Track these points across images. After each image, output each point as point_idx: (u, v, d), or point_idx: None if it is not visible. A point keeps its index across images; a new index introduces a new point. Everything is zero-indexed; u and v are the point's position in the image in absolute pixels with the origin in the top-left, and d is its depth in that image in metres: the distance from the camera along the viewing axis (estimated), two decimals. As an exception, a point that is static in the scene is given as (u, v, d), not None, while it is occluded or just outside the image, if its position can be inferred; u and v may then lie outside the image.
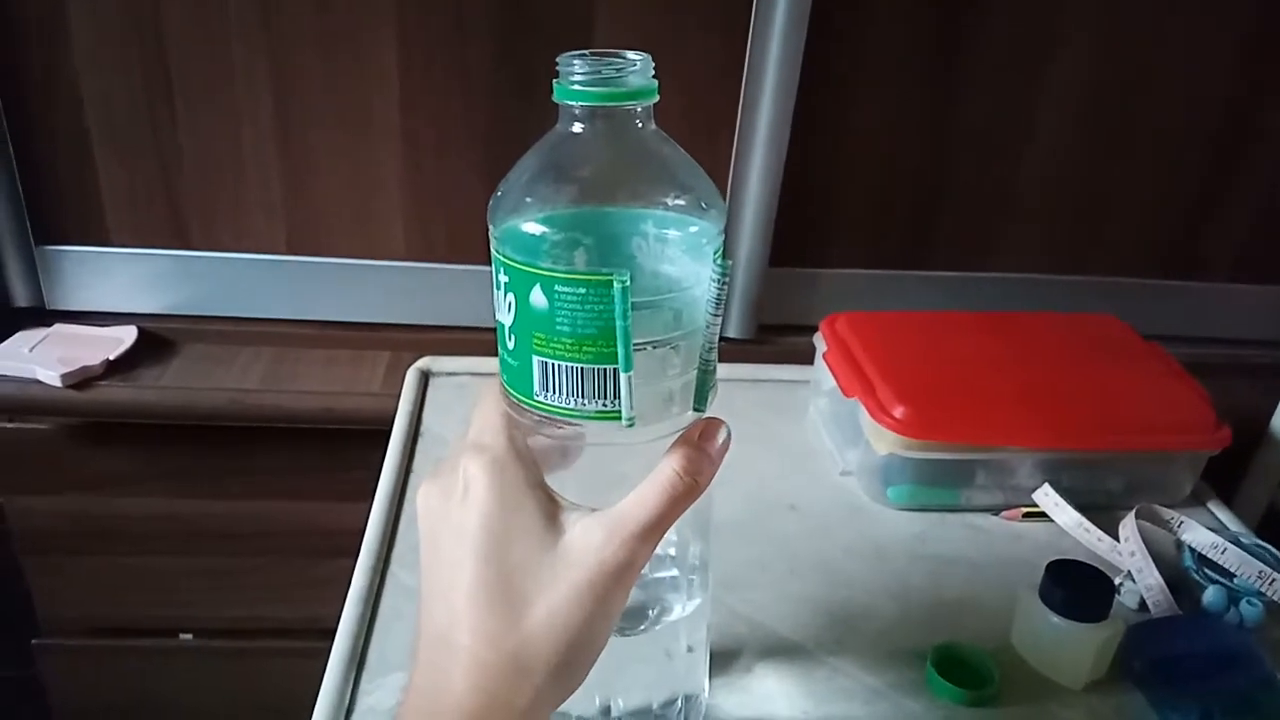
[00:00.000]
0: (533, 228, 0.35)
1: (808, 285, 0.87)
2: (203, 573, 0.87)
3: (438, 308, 0.84)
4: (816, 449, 0.70)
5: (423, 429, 0.69)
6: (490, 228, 0.36)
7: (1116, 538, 0.60)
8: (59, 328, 0.80)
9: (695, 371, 0.37)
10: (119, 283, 0.80)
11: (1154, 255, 0.89)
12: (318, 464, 0.82)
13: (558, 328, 0.34)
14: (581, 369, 0.35)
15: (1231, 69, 0.81)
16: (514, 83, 0.76)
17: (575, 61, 0.36)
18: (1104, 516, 0.62)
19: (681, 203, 0.36)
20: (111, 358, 0.76)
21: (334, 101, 0.75)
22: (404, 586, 0.56)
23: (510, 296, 0.35)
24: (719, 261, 0.35)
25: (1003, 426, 0.62)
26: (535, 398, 0.36)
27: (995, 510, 0.64)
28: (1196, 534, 0.60)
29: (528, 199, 0.36)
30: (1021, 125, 0.82)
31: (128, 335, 0.79)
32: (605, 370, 0.35)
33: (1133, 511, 0.61)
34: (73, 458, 0.82)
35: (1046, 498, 0.63)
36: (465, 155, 0.78)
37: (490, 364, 0.74)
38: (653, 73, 0.36)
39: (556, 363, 0.35)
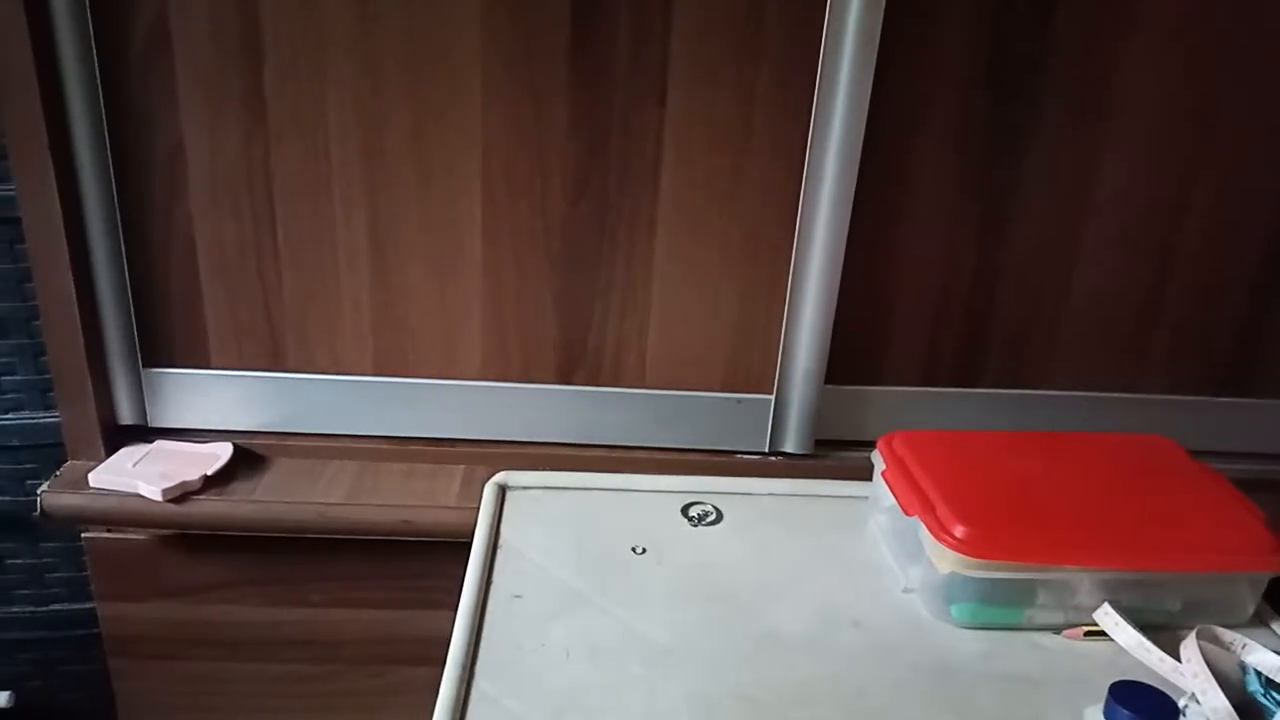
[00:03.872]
0: None
1: (863, 402, 0.90)
2: (283, 679, 0.90)
3: (509, 424, 0.89)
4: (878, 564, 0.72)
5: (501, 541, 0.73)
6: None
7: (1178, 658, 0.61)
8: (160, 444, 0.86)
9: None
10: (217, 402, 0.86)
11: (1206, 372, 0.92)
12: (396, 573, 0.86)
13: None
14: None
15: (1274, 182, 0.85)
16: (589, 215, 0.82)
17: None
18: (1164, 636, 0.63)
19: None
20: (209, 473, 0.82)
21: (423, 236, 0.82)
22: (488, 697, 0.58)
23: None
24: None
25: (1062, 546, 0.64)
26: None
27: (1058, 629, 0.66)
28: (1261, 656, 0.61)
29: None
30: (1069, 244, 0.86)
31: (224, 451, 0.85)
32: None
33: (1194, 632, 0.62)
34: (164, 566, 0.86)
35: (1107, 617, 0.64)
36: (541, 283, 0.84)
37: (561, 478, 0.79)
38: None
39: None
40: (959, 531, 0.63)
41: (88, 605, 0.90)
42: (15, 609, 0.93)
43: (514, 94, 0.78)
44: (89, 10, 0.74)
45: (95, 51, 0.75)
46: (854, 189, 0.81)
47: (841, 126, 0.79)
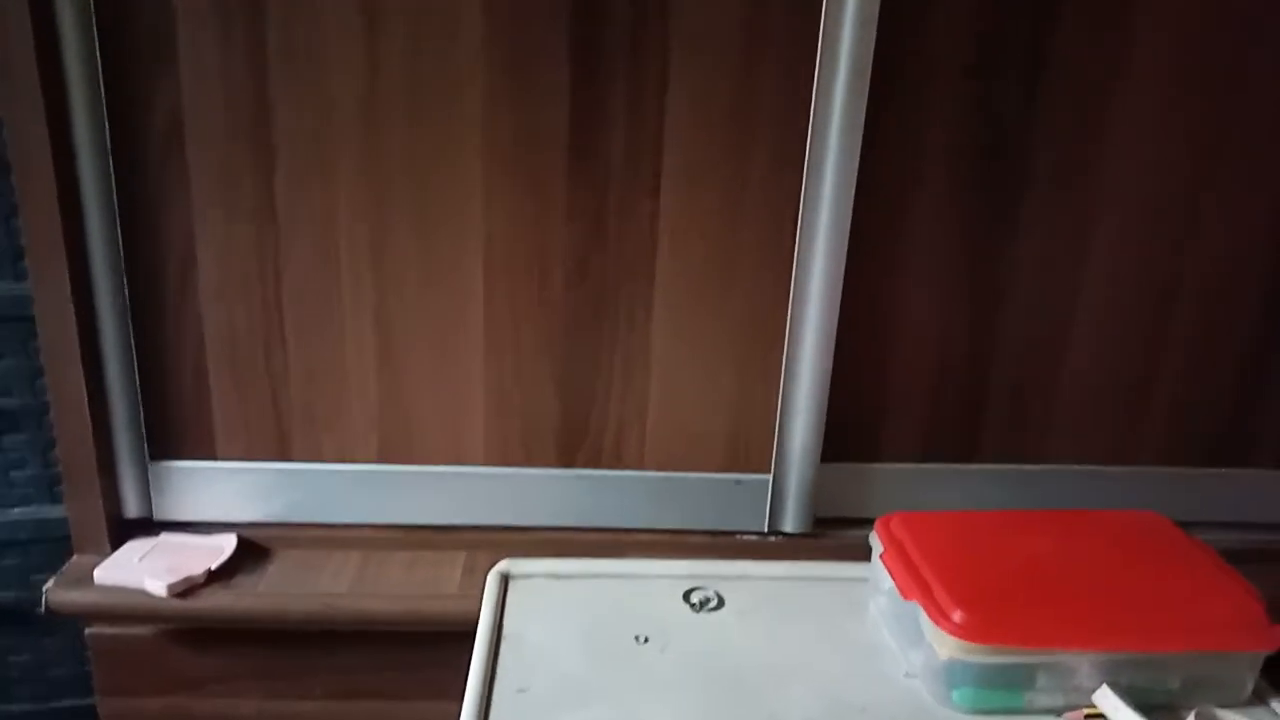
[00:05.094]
0: None
1: (860, 480, 0.92)
2: (286, 774, 0.89)
3: (511, 508, 0.90)
4: (880, 648, 0.73)
5: (505, 633, 0.73)
6: None
7: (1181, 740, 0.62)
8: (165, 537, 0.86)
9: None
10: (222, 494, 0.87)
11: (1200, 443, 0.93)
12: (399, 664, 0.85)
13: None
14: None
15: (1266, 253, 0.87)
16: (588, 301, 0.84)
17: None
18: (1164, 716, 0.64)
19: None
20: (213, 567, 0.82)
21: (428, 325, 0.84)
22: (495, 796, 0.58)
23: None
24: None
25: (1061, 629, 0.65)
26: None
27: (1059, 712, 0.66)
28: (1260, 736, 0.61)
29: None
30: (1063, 318, 0.88)
31: (228, 544, 0.85)
32: None
33: (1193, 713, 0.63)
34: (167, 661, 0.86)
35: (1106, 700, 0.65)
36: (542, 368, 0.86)
37: (565, 565, 0.79)
38: None
39: None
40: (957, 617, 0.64)
41: (89, 700, 0.90)
42: (14, 706, 0.92)
43: (515, 187, 0.81)
44: (105, 113, 0.77)
45: (111, 153, 0.78)
46: (844, 271, 0.83)
47: (829, 211, 0.82)
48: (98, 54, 0.76)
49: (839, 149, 0.80)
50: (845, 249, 0.83)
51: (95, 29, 0.75)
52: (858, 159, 0.80)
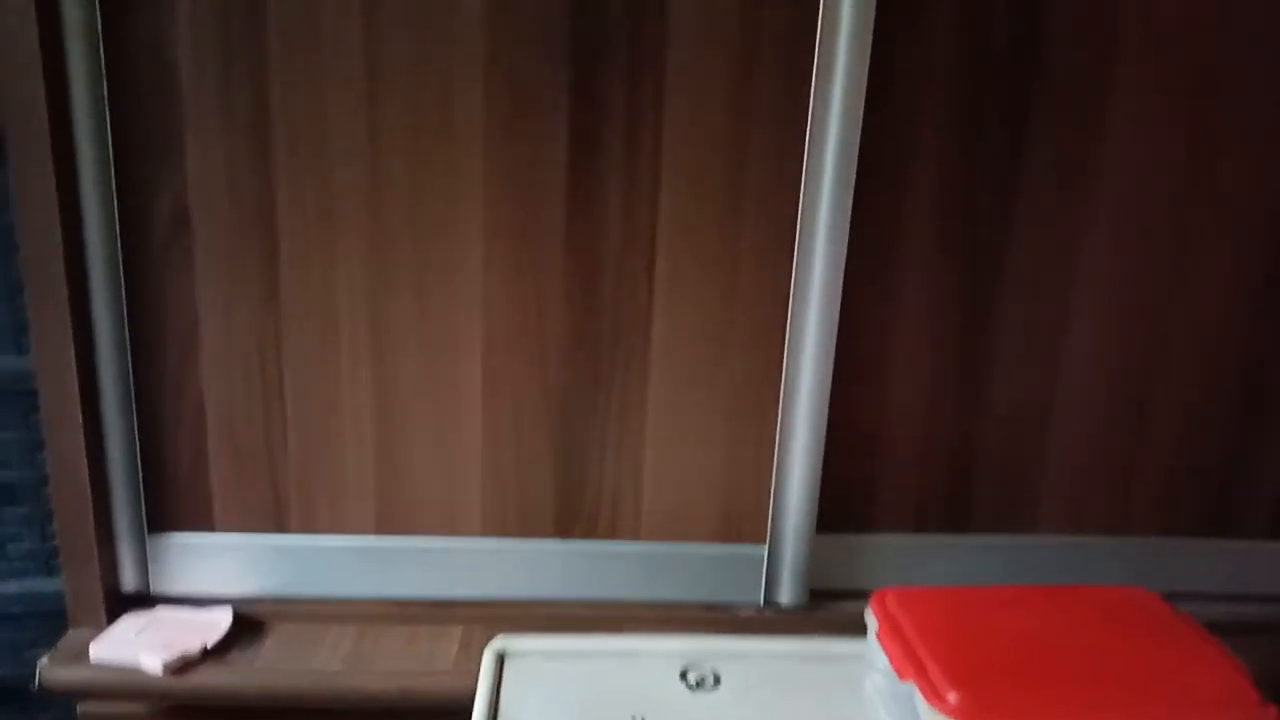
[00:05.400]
0: None
1: (855, 551, 0.92)
2: None
3: (508, 582, 0.90)
4: (876, 728, 0.73)
5: (500, 712, 0.73)
6: None
7: (1178, 825, 0.61)
8: (161, 612, 0.86)
9: None
10: (219, 567, 0.87)
11: (1190, 513, 0.94)
12: (394, 743, 0.85)
13: None
14: None
15: (1248, 321, 0.89)
16: (584, 372, 0.86)
17: None
18: (1164, 799, 0.64)
19: None
20: (210, 644, 0.82)
21: (426, 397, 0.85)
22: None
23: None
24: None
25: (1055, 709, 0.65)
26: None
27: (1056, 795, 0.66)
28: (1257, 822, 0.61)
29: None
30: (1049, 389, 0.90)
31: (224, 618, 0.85)
32: None
33: (1191, 797, 0.63)
34: (159, 736, 0.85)
35: (1104, 782, 0.65)
36: (537, 440, 0.87)
37: (561, 643, 0.79)
38: None
39: None
40: (952, 698, 0.64)
41: (78, 778, 0.89)
42: (3, 783, 0.91)
43: (513, 262, 0.83)
44: (115, 195, 0.79)
45: (119, 235, 0.80)
46: (835, 340, 0.85)
47: (820, 284, 0.83)
48: (109, 138, 0.78)
49: (828, 229, 0.82)
50: (836, 320, 0.85)
51: (108, 115, 0.77)
52: (846, 235, 0.82)
